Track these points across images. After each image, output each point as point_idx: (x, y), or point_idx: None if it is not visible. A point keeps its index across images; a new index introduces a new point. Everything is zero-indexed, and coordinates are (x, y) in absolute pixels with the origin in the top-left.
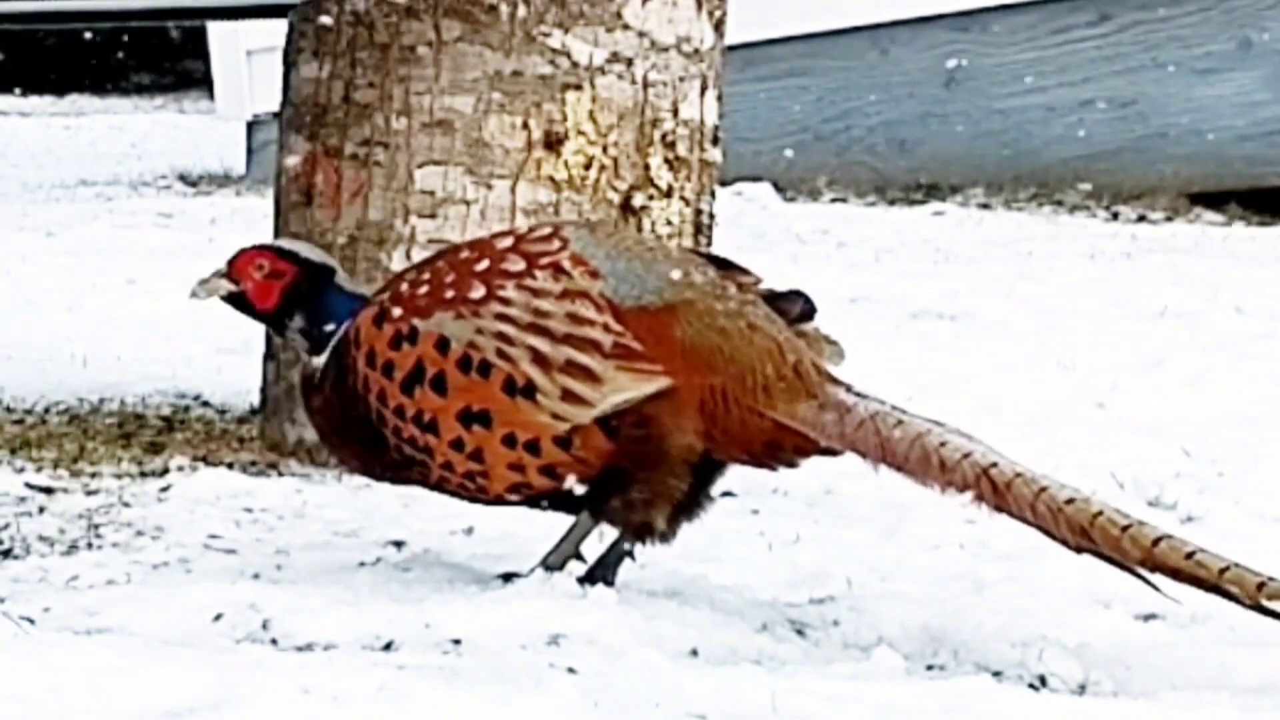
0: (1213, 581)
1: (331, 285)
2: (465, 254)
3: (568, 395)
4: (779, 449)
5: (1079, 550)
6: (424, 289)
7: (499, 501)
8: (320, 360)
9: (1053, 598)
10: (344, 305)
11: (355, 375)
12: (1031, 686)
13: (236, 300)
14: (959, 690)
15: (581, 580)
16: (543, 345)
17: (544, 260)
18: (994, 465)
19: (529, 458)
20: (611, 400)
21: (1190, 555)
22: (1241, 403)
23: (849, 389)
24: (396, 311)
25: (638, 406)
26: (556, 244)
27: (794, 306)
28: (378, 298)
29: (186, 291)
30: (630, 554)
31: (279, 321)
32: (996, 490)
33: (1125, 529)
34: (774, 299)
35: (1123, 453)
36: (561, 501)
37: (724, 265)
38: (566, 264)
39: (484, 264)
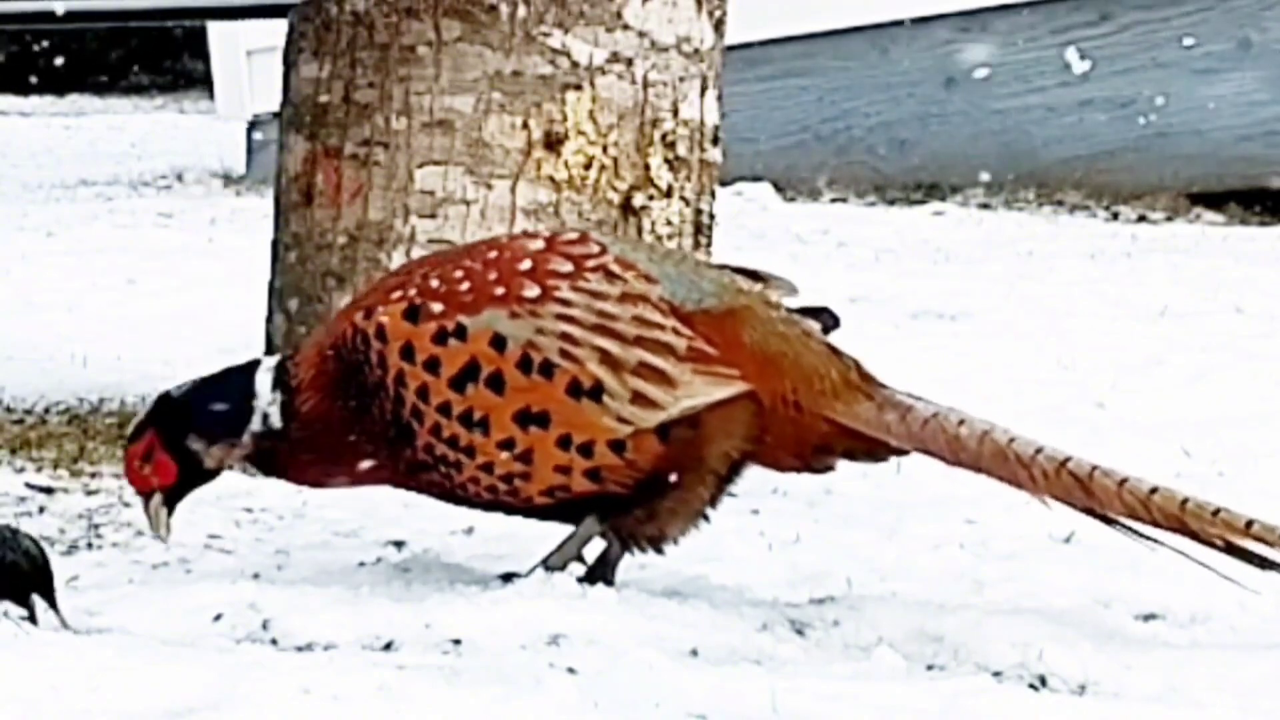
0: None
1: (197, 398)
2: (495, 254)
3: (638, 398)
4: (830, 451)
5: (1125, 528)
6: (464, 285)
7: (525, 505)
8: (269, 413)
9: (1053, 598)
10: (222, 393)
11: (384, 370)
12: (1031, 686)
13: (177, 495)
14: (959, 690)
15: (581, 580)
16: (613, 347)
17: (590, 263)
18: (1069, 459)
19: (580, 460)
20: (684, 404)
21: None
22: (1241, 403)
23: (899, 391)
24: (436, 306)
25: (696, 411)
26: (595, 247)
27: (818, 320)
28: (393, 293)
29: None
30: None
31: (202, 476)
32: (1080, 483)
33: (1216, 513)
34: (800, 314)
35: (1123, 453)
36: (570, 511)
37: (751, 276)
38: (615, 267)
39: (527, 263)
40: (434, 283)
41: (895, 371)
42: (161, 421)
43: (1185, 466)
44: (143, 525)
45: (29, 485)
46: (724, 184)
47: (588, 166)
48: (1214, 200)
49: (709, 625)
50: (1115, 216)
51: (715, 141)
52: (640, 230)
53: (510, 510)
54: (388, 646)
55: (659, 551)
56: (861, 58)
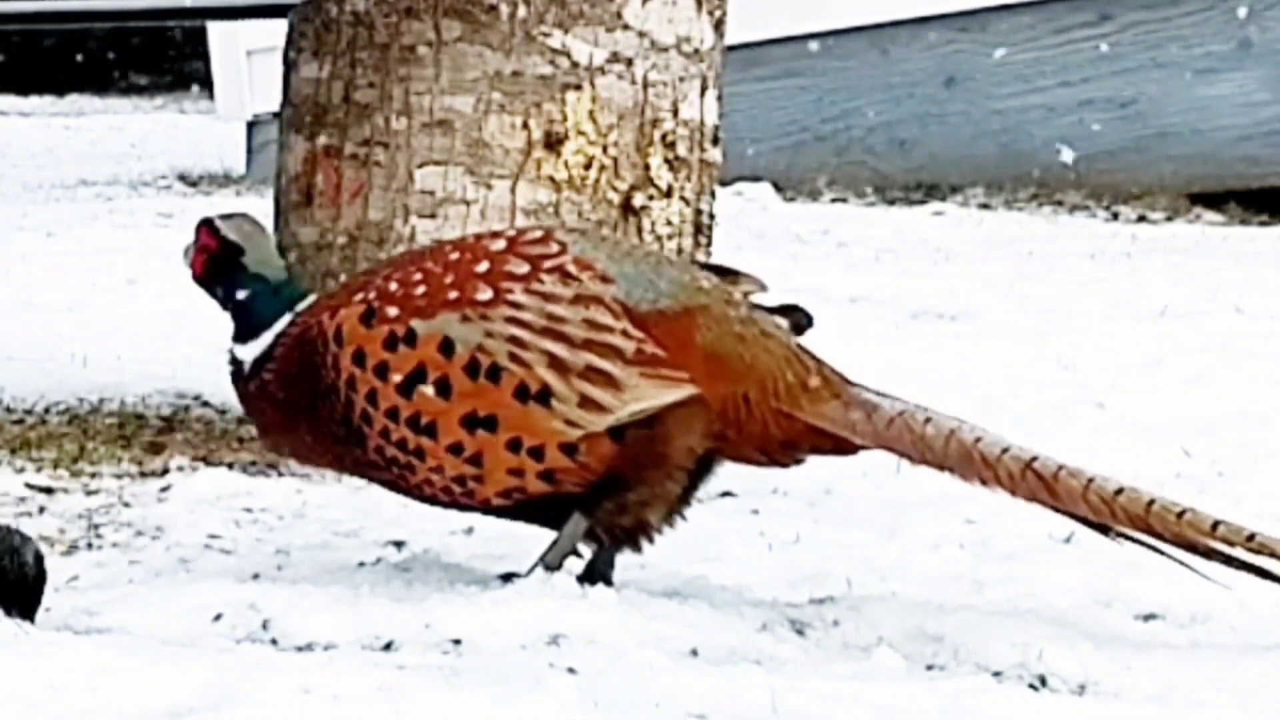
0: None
1: (238, 267)
2: (456, 255)
3: (585, 402)
4: (796, 448)
5: (1106, 532)
6: (420, 289)
7: (482, 506)
8: (249, 352)
9: (1053, 598)
10: (262, 292)
11: (336, 373)
12: (1031, 686)
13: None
14: (959, 690)
15: (581, 578)
16: (560, 350)
17: (547, 264)
18: (1035, 458)
19: (531, 463)
20: (632, 408)
21: (1251, 538)
22: (1241, 403)
23: (866, 389)
24: (392, 311)
25: (649, 413)
26: (555, 247)
27: (790, 318)
28: (356, 295)
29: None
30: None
31: (210, 291)
32: (1045, 483)
33: (1181, 515)
34: (771, 311)
35: (1123, 453)
36: (543, 511)
37: (720, 272)
38: (572, 268)
39: (484, 265)
40: (393, 285)
41: (895, 371)
42: (223, 249)
43: (1185, 466)
44: (143, 525)
45: (29, 485)
46: (724, 184)
47: (588, 166)
48: (1214, 200)
49: (709, 625)
50: (1115, 216)
51: (715, 141)
52: (640, 230)
53: (474, 511)
54: (388, 646)
55: (636, 546)
56: (861, 58)
